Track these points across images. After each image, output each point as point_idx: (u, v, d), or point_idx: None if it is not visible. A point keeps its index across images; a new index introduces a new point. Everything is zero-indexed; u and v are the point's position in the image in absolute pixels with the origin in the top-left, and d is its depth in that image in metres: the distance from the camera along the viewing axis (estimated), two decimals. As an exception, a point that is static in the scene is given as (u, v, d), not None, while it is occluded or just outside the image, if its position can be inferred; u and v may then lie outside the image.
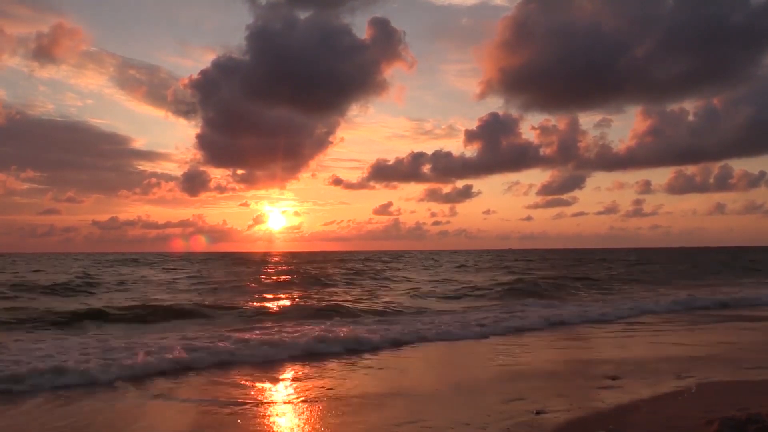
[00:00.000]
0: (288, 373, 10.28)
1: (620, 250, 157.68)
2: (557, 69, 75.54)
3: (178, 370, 10.35)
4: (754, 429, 5.98)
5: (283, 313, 19.35)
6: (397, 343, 13.25)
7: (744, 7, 73.05)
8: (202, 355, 11.12)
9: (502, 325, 15.99)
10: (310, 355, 11.92)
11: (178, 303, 21.02)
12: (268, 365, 10.97)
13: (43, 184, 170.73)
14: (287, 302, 22.95)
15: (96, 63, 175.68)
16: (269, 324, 16.17)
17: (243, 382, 9.58)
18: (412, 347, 13.09)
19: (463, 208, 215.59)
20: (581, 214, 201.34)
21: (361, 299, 24.24)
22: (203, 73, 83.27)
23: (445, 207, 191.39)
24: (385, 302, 22.82)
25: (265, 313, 19.59)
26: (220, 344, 12.01)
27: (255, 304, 21.95)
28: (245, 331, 14.51)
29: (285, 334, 13.40)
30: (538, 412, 7.35)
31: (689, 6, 71.84)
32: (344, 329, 14.30)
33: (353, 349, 12.51)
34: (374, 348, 12.69)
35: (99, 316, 17.61)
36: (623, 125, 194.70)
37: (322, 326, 14.81)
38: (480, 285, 30.90)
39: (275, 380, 9.76)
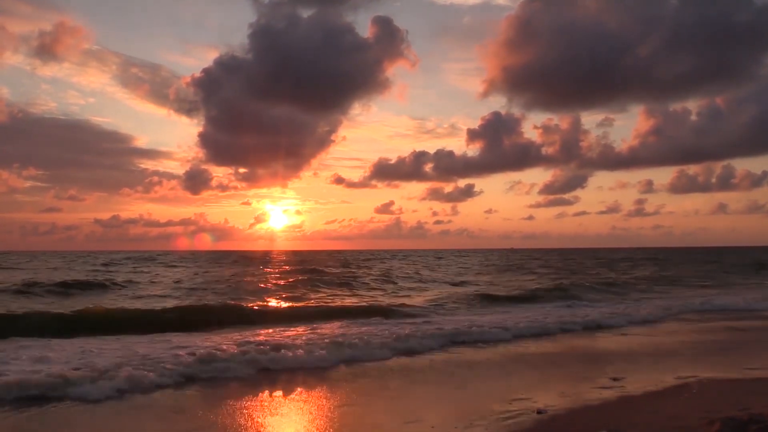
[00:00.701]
0: (301, 374, 10.21)
1: (623, 250, 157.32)
2: (560, 68, 75.12)
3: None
4: (755, 429, 5.94)
5: (334, 315, 18.17)
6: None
7: (748, 6, 72.81)
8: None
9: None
10: (351, 359, 11.36)
11: (208, 303, 20.46)
12: (298, 371, 10.48)
13: (44, 182, 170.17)
14: (329, 303, 22.03)
15: (98, 61, 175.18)
16: (316, 325, 15.70)
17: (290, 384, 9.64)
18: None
19: (464, 207, 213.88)
20: (583, 213, 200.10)
21: (397, 297, 24.22)
22: (205, 71, 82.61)
23: (447, 206, 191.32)
24: (430, 300, 22.90)
25: (306, 315, 18.53)
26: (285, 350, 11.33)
27: (296, 304, 21.33)
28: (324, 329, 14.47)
29: (320, 338, 12.95)
30: (539, 412, 7.34)
31: (693, 5, 71.45)
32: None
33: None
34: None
35: (117, 318, 16.71)
36: (626, 124, 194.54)
37: (373, 327, 14.76)
38: (522, 286, 29.85)
39: (290, 382, 9.76)
